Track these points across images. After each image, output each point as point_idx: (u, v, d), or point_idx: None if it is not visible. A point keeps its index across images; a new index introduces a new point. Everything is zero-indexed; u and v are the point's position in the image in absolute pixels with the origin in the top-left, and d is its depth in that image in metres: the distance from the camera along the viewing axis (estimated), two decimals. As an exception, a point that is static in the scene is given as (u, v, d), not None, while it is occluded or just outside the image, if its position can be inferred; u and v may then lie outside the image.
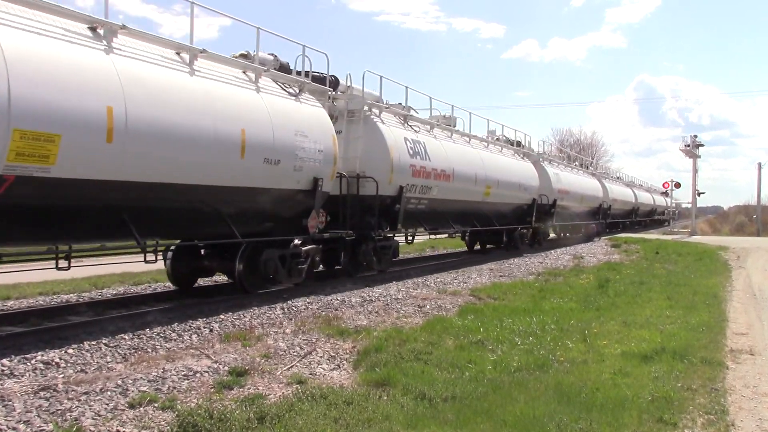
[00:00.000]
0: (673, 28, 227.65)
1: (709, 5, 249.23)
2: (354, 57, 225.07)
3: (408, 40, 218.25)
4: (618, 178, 48.62)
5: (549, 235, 27.57)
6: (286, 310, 10.18)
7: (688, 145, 42.22)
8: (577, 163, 37.47)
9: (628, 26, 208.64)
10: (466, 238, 24.15)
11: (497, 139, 23.45)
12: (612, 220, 40.72)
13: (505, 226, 22.50)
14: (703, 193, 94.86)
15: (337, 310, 10.24)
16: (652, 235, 38.42)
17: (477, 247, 24.65)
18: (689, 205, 50.81)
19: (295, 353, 7.35)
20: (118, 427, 4.94)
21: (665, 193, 60.24)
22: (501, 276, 15.94)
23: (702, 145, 43.93)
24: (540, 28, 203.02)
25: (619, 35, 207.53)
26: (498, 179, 20.47)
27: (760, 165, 54.22)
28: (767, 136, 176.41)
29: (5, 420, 4.95)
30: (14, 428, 4.82)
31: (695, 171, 43.74)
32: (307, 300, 11.03)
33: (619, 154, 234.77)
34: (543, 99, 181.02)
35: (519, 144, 25.60)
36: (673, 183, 53.18)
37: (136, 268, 13.89)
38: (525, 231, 24.39)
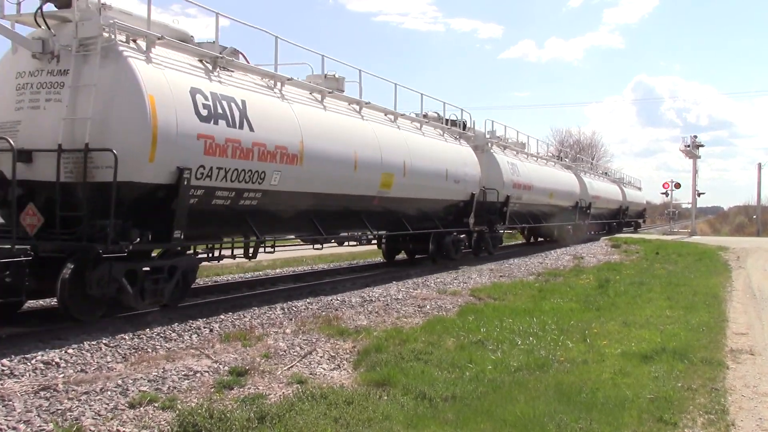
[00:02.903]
0: (671, 29, 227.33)
1: (707, 5, 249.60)
2: (353, 58, 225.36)
3: (406, 40, 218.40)
4: (630, 182, 52.96)
5: (585, 232, 33.09)
6: (286, 310, 10.20)
7: (688, 146, 42.25)
8: (600, 170, 45.89)
9: (625, 26, 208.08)
10: (525, 232, 30.41)
11: (550, 156, 31.58)
12: (628, 219, 47.89)
13: (556, 224, 29.37)
14: (703, 193, 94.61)
15: (337, 310, 10.25)
16: (652, 236, 38.45)
17: (531, 239, 31.37)
18: (689, 206, 50.79)
19: (295, 353, 7.36)
20: (119, 427, 4.94)
21: (665, 194, 60.49)
22: (501, 276, 15.95)
23: (702, 146, 43.98)
24: (537, 29, 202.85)
25: (617, 36, 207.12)
26: (557, 188, 27.81)
27: (760, 165, 54.30)
28: (766, 136, 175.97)
29: (5, 420, 4.95)
30: (14, 428, 4.82)
31: (695, 171, 43.85)
32: (308, 300, 11.06)
33: (618, 155, 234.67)
34: (541, 99, 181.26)
35: (561, 158, 34.48)
36: (673, 183, 53.07)
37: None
38: (570, 227, 31.05)
